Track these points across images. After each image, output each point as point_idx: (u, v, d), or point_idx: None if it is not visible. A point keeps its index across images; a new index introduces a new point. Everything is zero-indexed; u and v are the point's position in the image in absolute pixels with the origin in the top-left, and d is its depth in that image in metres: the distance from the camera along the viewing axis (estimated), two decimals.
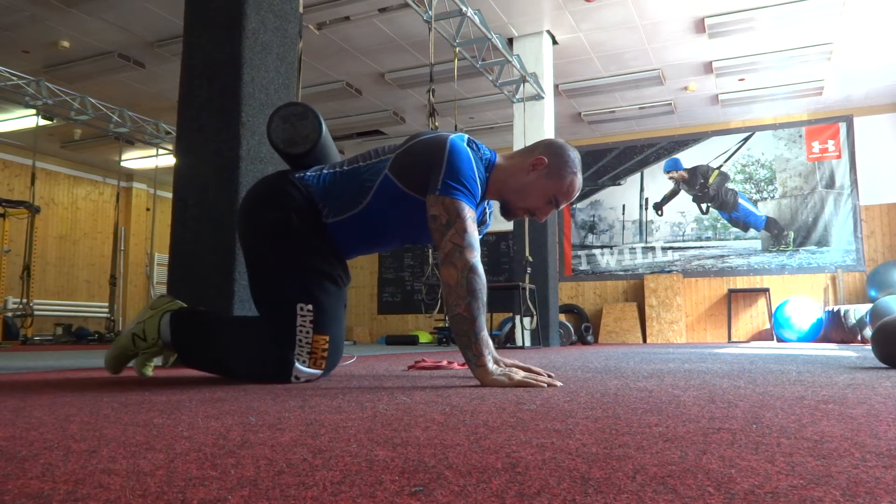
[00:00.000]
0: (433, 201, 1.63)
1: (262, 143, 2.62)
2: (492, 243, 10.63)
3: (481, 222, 1.93)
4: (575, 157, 1.77)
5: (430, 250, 6.29)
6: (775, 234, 9.09)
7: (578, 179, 1.77)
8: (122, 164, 10.25)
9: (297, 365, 1.66)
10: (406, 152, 1.72)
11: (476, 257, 1.62)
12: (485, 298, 1.61)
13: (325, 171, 1.78)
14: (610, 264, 9.92)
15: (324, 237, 1.75)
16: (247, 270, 1.82)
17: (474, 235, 1.63)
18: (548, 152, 1.75)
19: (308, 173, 1.78)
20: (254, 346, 1.71)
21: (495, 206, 1.92)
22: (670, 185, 9.70)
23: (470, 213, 1.63)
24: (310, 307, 1.66)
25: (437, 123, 5.46)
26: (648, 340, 9.16)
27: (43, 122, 8.06)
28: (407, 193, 1.69)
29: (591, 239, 10.07)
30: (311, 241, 1.73)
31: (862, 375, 1.92)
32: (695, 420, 0.96)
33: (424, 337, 10.08)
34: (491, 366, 1.60)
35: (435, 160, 1.64)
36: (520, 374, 1.59)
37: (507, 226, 9.20)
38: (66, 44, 6.90)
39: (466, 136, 1.75)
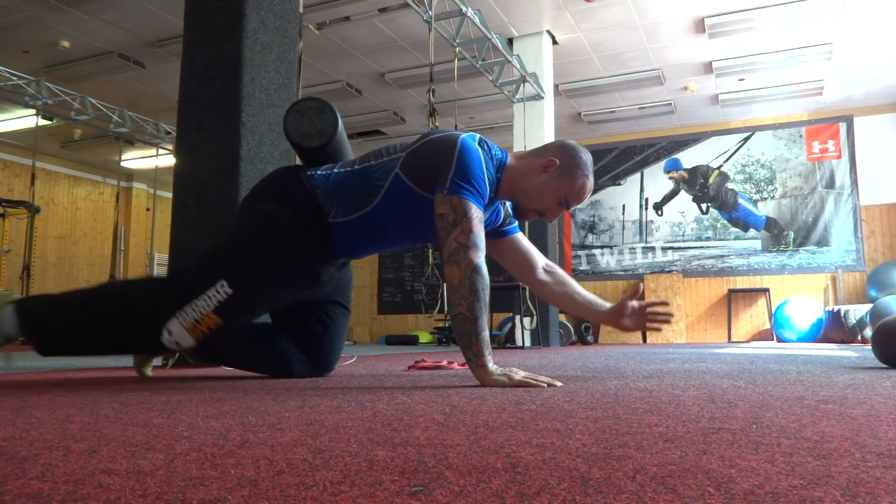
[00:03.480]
0: (441, 200, 1.62)
1: (262, 144, 2.62)
2: None
3: (504, 220, 1.92)
4: (587, 159, 1.76)
5: (430, 250, 6.29)
6: (775, 234, 9.09)
7: (590, 182, 1.76)
8: (122, 164, 10.25)
9: (176, 320, 1.62)
10: (417, 151, 1.71)
11: (480, 257, 1.61)
12: (487, 299, 1.61)
13: (335, 171, 1.77)
14: (610, 264, 9.92)
15: (317, 241, 1.73)
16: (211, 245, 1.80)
17: (480, 235, 1.62)
18: (560, 154, 1.74)
19: (318, 171, 1.78)
20: (125, 301, 1.68)
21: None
22: (670, 185, 9.70)
23: (477, 213, 1.63)
24: (230, 291, 1.63)
25: (437, 123, 5.46)
26: (648, 340, 9.16)
27: (43, 122, 8.06)
28: (417, 192, 1.68)
29: (591, 239, 10.07)
30: (292, 241, 1.70)
31: (862, 375, 1.92)
32: (695, 420, 0.96)
33: (424, 337, 10.08)
34: (491, 366, 1.60)
35: (445, 159, 1.64)
36: (520, 374, 1.59)
37: None
38: (66, 44, 6.90)
39: (478, 135, 1.74)
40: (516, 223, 1.96)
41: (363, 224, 1.72)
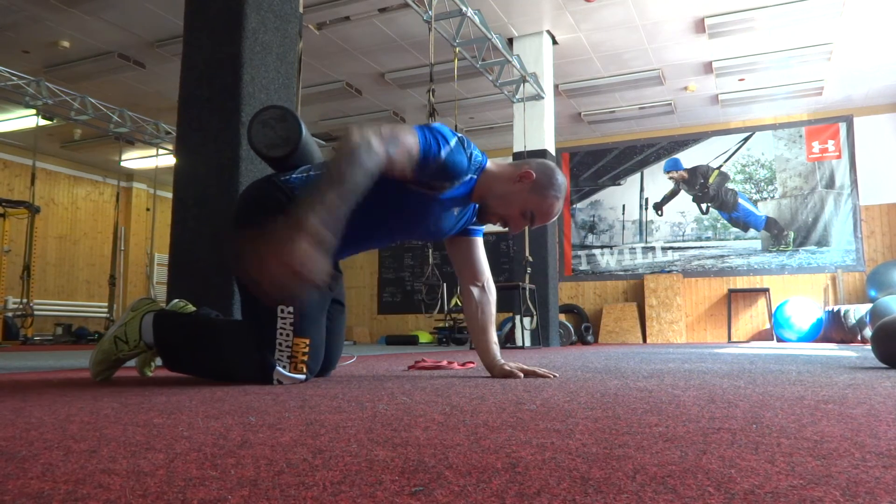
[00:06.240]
0: None
1: None
2: (492, 243, 10.62)
3: (474, 220, 1.93)
4: (562, 182, 1.79)
5: (430, 250, 6.29)
6: (775, 234, 9.09)
7: (559, 204, 1.79)
8: (122, 164, 10.25)
9: (279, 368, 1.65)
10: None
11: (377, 146, 1.47)
12: (360, 178, 1.44)
13: (312, 173, 1.77)
14: (610, 264, 9.92)
15: None
16: (235, 276, 1.82)
17: (396, 136, 1.53)
18: (538, 169, 1.77)
19: (294, 175, 1.78)
20: (237, 348, 1.70)
21: None
22: (670, 185, 9.70)
23: (411, 137, 1.58)
24: (290, 309, 1.66)
25: None
26: (648, 340, 9.16)
27: (43, 122, 8.06)
28: (396, 182, 1.67)
29: (591, 239, 10.07)
30: None
31: (862, 375, 1.92)
32: (695, 420, 0.96)
33: (424, 337, 10.08)
34: (314, 221, 1.35)
35: None
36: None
37: None
38: (66, 44, 6.90)
39: (460, 135, 1.75)
40: (482, 229, 1.97)
41: (344, 223, 1.72)
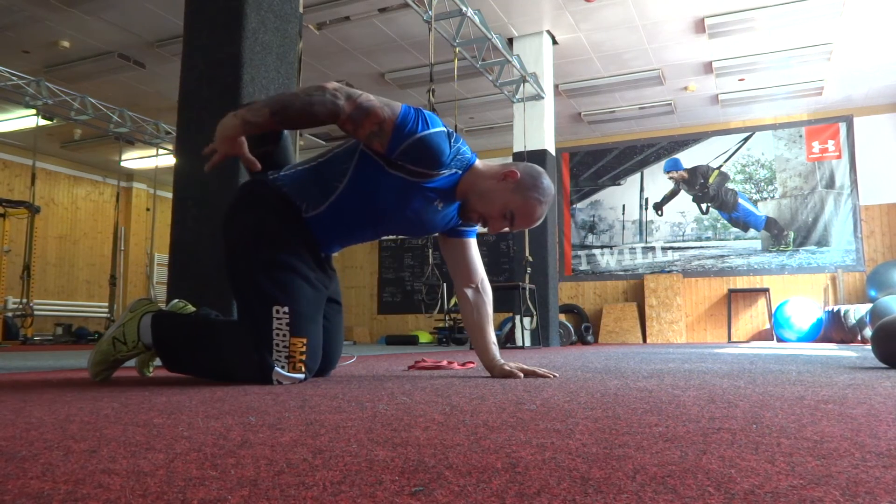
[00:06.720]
0: None
1: None
2: (492, 243, 10.63)
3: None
4: (547, 186, 1.77)
5: (430, 250, 6.29)
6: (775, 234, 9.09)
7: (541, 208, 1.76)
8: (122, 164, 10.25)
9: (277, 369, 1.64)
10: None
11: (342, 103, 1.61)
12: (292, 114, 1.60)
13: (300, 168, 1.77)
14: (610, 264, 9.92)
15: (304, 236, 1.73)
16: (228, 278, 1.79)
17: (370, 104, 1.62)
18: (524, 171, 1.76)
19: (281, 172, 1.78)
20: (236, 348, 1.69)
21: None
22: (670, 185, 9.70)
23: (388, 109, 1.62)
24: (286, 309, 1.65)
25: None
26: (648, 340, 9.16)
27: (43, 122, 8.06)
28: (384, 168, 1.67)
29: (591, 239, 10.07)
30: (289, 242, 1.72)
31: (862, 375, 1.92)
32: (695, 420, 0.96)
33: (424, 337, 10.08)
34: (239, 117, 1.62)
35: None
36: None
37: None
38: (66, 44, 6.90)
39: (451, 130, 1.75)
40: (475, 230, 1.96)
41: (334, 212, 1.72)
